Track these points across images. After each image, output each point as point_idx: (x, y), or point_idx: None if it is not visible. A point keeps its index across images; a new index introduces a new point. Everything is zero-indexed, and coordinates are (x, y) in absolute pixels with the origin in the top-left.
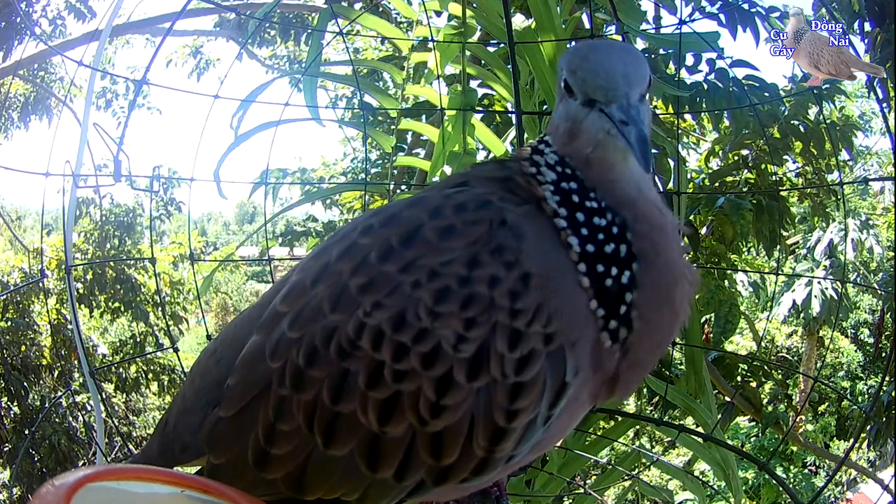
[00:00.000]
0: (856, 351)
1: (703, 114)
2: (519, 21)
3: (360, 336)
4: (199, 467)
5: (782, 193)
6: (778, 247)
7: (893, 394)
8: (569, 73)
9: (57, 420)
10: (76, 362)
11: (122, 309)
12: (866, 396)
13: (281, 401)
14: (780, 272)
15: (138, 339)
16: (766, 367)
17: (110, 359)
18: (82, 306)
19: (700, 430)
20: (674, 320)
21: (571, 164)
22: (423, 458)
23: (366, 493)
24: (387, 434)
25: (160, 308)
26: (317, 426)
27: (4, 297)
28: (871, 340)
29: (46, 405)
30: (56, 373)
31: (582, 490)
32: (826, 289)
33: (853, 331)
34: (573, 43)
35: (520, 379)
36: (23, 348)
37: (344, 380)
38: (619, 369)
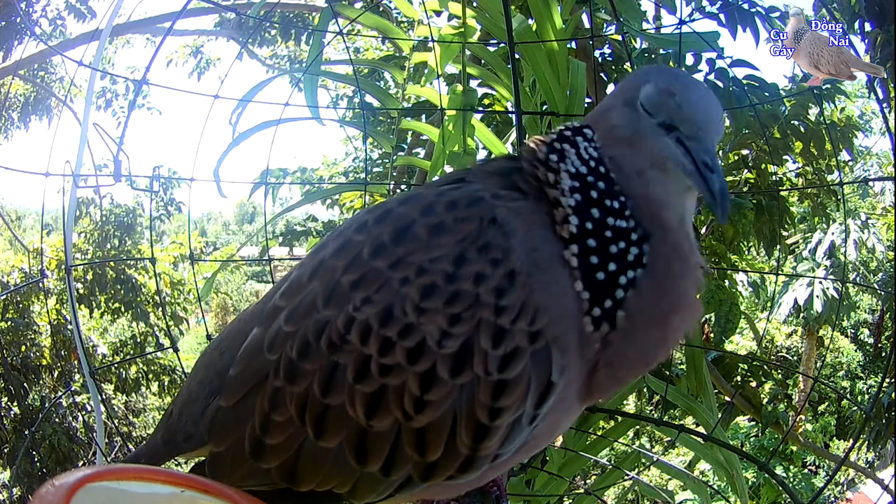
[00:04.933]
0: (856, 351)
1: None
2: (519, 21)
3: (349, 330)
4: (198, 469)
5: (782, 193)
6: (778, 247)
7: (893, 395)
8: (660, 92)
9: (57, 420)
10: (76, 363)
11: (123, 309)
12: (866, 396)
13: (275, 392)
14: (780, 272)
15: (138, 340)
16: (766, 367)
17: (110, 359)
18: (82, 306)
19: (700, 429)
20: (661, 346)
21: (609, 166)
22: (408, 454)
23: (355, 487)
24: (373, 428)
25: (160, 308)
26: (308, 418)
27: (4, 297)
28: (870, 340)
29: (46, 405)
30: (56, 373)
31: (582, 490)
32: (827, 289)
33: (853, 331)
34: (573, 43)
35: (503, 377)
36: (23, 348)
37: (333, 373)
38: (598, 366)
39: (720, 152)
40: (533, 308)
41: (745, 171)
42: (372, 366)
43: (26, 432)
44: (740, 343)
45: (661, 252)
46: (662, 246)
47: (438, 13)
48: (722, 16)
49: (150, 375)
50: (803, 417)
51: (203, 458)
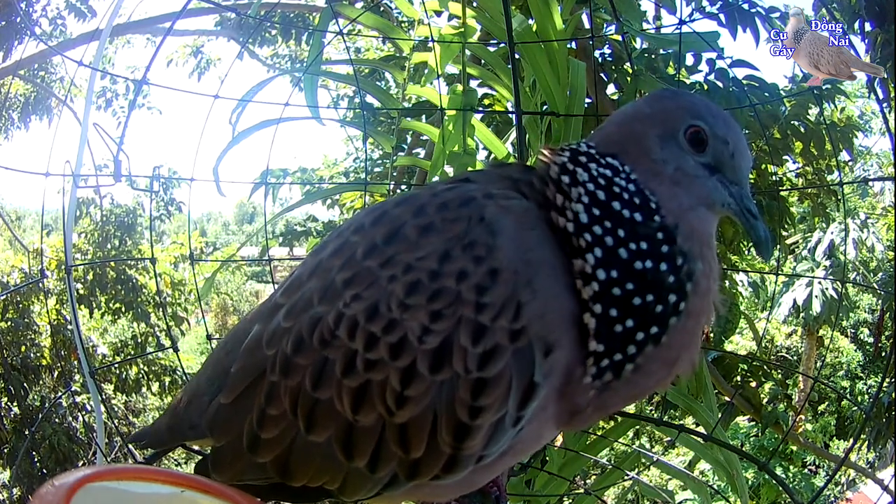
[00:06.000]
0: (856, 351)
1: None
2: (519, 21)
3: (338, 326)
4: (199, 469)
5: (782, 193)
6: (778, 247)
7: (894, 395)
8: (714, 137)
9: (57, 420)
10: (76, 363)
11: (123, 309)
12: (866, 396)
13: (271, 386)
14: (780, 272)
15: (139, 340)
16: (766, 367)
17: (110, 359)
18: (82, 307)
19: (700, 429)
20: (662, 383)
21: (655, 200)
22: (393, 450)
23: (345, 483)
24: (359, 423)
25: (161, 308)
26: (300, 412)
27: (4, 297)
28: (870, 340)
29: (46, 405)
30: (56, 373)
31: (582, 490)
32: (826, 289)
33: (853, 331)
34: (573, 43)
35: (483, 374)
36: (23, 348)
37: (323, 367)
38: (588, 404)
39: None
40: (515, 306)
41: None
42: (358, 361)
43: (26, 432)
44: (740, 343)
45: (702, 287)
46: (703, 279)
47: (438, 13)
48: (722, 16)
49: (151, 376)
50: (803, 417)
51: (205, 451)
